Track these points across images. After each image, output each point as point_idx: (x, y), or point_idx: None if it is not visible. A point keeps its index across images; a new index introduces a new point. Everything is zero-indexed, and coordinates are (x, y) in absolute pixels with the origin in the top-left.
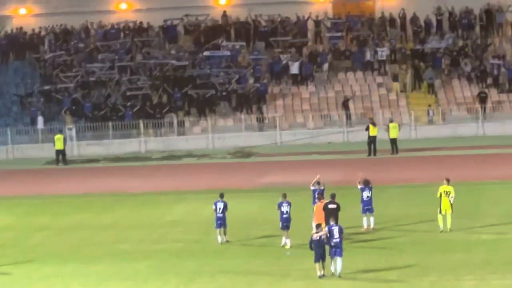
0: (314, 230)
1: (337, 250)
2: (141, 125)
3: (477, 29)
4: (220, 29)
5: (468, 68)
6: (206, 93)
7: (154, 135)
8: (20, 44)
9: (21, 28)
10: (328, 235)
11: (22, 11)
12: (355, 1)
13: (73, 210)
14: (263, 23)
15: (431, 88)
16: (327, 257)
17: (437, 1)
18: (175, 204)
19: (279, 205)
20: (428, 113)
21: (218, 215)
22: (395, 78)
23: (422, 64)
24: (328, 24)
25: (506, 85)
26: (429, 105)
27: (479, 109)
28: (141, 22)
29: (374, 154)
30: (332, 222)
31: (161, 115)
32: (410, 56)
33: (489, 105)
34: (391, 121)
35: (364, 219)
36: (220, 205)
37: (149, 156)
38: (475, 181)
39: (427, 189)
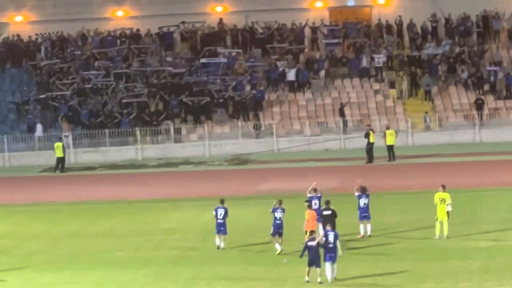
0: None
1: (331, 255)
2: (138, 133)
3: (474, 35)
4: (217, 36)
5: (465, 75)
6: (203, 100)
7: (150, 143)
8: (17, 51)
9: (17, 35)
10: (324, 239)
11: (19, 18)
12: (351, 8)
13: (70, 218)
14: (260, 30)
15: (428, 95)
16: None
17: (433, 8)
18: (172, 212)
19: (273, 210)
20: (425, 120)
21: (219, 221)
22: (391, 85)
23: (419, 70)
24: (325, 31)
25: (503, 92)
26: (426, 112)
27: (476, 116)
28: (137, 29)
29: (372, 161)
30: (328, 228)
31: (158, 122)
32: (407, 63)
33: (486, 111)
34: (388, 128)
35: (361, 226)
36: (221, 211)
37: (145, 164)
38: (472, 188)
39: (424, 196)
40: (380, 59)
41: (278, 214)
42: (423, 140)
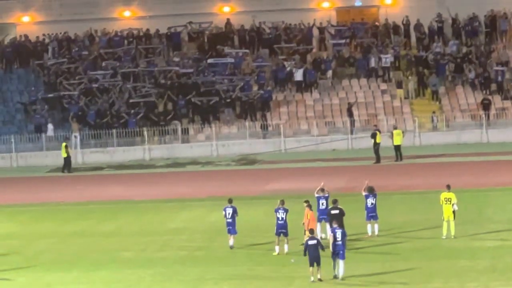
0: (308, 235)
1: (339, 253)
2: (145, 133)
3: (481, 35)
4: (224, 36)
5: (472, 75)
6: (210, 100)
7: (158, 143)
8: (24, 51)
9: (25, 35)
10: (332, 238)
11: (26, 18)
12: (358, 8)
13: (77, 218)
14: (267, 30)
15: (435, 95)
16: (325, 260)
17: (440, 8)
18: (179, 212)
19: (276, 210)
20: (432, 120)
21: (228, 220)
22: (399, 85)
23: (426, 70)
24: (332, 31)
25: (510, 92)
26: (433, 112)
27: (483, 116)
28: (147, 29)
29: (380, 161)
30: (335, 225)
31: (165, 123)
32: (414, 63)
33: (492, 111)
34: (395, 128)
35: (369, 226)
36: (229, 210)
37: (153, 164)
38: (479, 188)
39: (431, 196)
40: (387, 59)
41: (280, 214)
42: (430, 140)
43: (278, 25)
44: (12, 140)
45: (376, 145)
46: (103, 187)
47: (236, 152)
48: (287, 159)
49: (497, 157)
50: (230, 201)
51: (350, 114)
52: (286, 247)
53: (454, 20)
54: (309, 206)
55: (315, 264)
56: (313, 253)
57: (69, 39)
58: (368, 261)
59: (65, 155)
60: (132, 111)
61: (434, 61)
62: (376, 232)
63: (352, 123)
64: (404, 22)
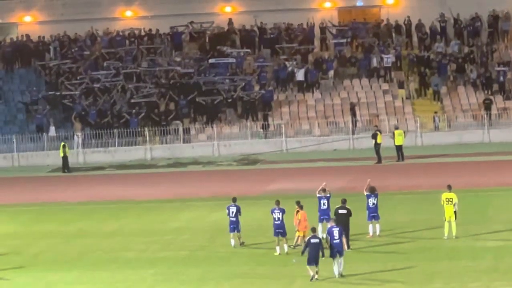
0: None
1: (338, 250)
2: (147, 133)
3: (483, 36)
4: (226, 36)
5: (473, 75)
6: (212, 100)
7: (159, 143)
8: (26, 51)
9: (26, 35)
10: (330, 237)
11: (28, 18)
12: (360, 8)
13: (78, 218)
14: (269, 30)
15: (436, 95)
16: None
17: (441, 8)
18: (181, 212)
19: (272, 211)
20: (434, 120)
21: (231, 219)
22: (400, 85)
23: (427, 70)
24: (334, 31)
25: None
26: (435, 112)
27: (485, 116)
28: (149, 29)
29: (381, 162)
30: (332, 224)
31: (167, 122)
32: (416, 63)
33: (494, 112)
34: (396, 128)
35: (370, 226)
36: (233, 209)
37: (154, 164)
38: (481, 188)
39: (432, 196)
40: (389, 59)
41: (276, 215)
42: (432, 140)
43: (280, 25)
44: (14, 140)
45: (377, 146)
46: (105, 187)
47: (237, 152)
48: (288, 159)
49: (499, 157)
50: (234, 200)
51: (353, 113)
52: (285, 246)
53: (456, 20)
54: (301, 207)
55: (314, 263)
56: (314, 252)
57: (71, 39)
58: (369, 261)
59: (62, 154)
60: (134, 111)
61: (435, 61)
62: (378, 232)
63: (355, 123)
64: (406, 22)
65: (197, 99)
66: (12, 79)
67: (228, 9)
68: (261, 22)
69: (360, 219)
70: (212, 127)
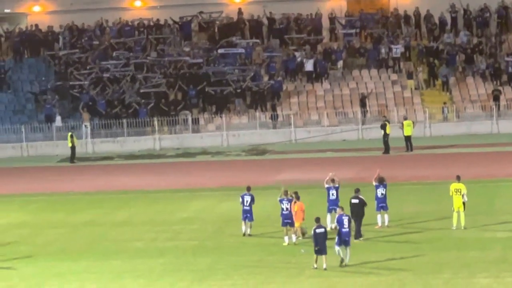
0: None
1: (345, 239)
2: (156, 123)
3: (492, 26)
4: (235, 26)
5: (482, 66)
6: (221, 91)
7: (168, 133)
8: (35, 41)
9: (35, 25)
10: (337, 226)
11: (37, 8)
12: None
13: (87, 207)
14: (278, 20)
15: (445, 86)
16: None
17: None
18: (190, 201)
19: (280, 201)
20: (443, 111)
21: (245, 208)
22: (409, 75)
23: (436, 61)
24: (343, 21)
25: None
26: (444, 103)
27: (493, 107)
28: (156, 20)
29: (389, 152)
30: (342, 212)
31: (176, 113)
32: (425, 54)
33: (503, 102)
34: (405, 118)
35: (379, 216)
36: (247, 198)
37: (163, 154)
38: (489, 179)
39: (441, 187)
40: (398, 49)
41: (284, 205)
42: (441, 131)
43: (289, 15)
44: (23, 129)
45: (386, 136)
46: (113, 177)
47: (246, 142)
48: (297, 150)
49: (508, 148)
50: (248, 189)
51: (363, 104)
52: (293, 237)
53: (465, 11)
54: (298, 197)
55: (321, 253)
56: (321, 242)
57: (80, 29)
58: (378, 251)
59: (70, 144)
60: (143, 101)
61: (445, 52)
62: (386, 223)
63: (364, 113)
64: (415, 13)
65: (206, 89)
66: (21, 69)
67: None
68: (270, 12)
69: (369, 210)
70: (221, 117)
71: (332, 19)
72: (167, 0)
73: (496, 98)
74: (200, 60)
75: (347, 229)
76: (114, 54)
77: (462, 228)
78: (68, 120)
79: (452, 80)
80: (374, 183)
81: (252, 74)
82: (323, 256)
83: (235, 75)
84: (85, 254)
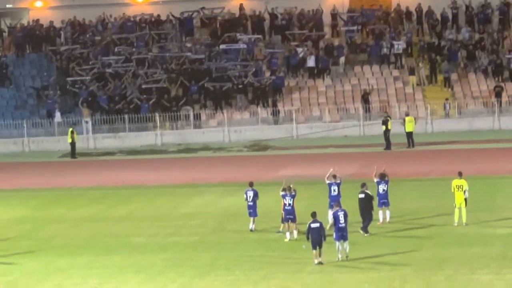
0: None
1: (343, 234)
2: (157, 118)
3: (494, 23)
4: (237, 22)
5: (484, 62)
6: (223, 86)
7: (170, 128)
8: (37, 36)
9: (37, 20)
10: (333, 221)
11: (39, 3)
12: None
13: (89, 203)
14: (280, 16)
15: (447, 82)
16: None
17: None
18: (191, 197)
19: (283, 197)
20: (444, 107)
21: (249, 203)
22: (411, 71)
23: (438, 57)
24: (345, 17)
25: None
26: (446, 99)
27: (495, 103)
28: (157, 15)
29: (390, 148)
30: (337, 208)
31: (177, 108)
32: (427, 50)
33: (505, 99)
34: (407, 114)
35: (380, 212)
36: (250, 194)
37: (165, 149)
38: (491, 175)
39: (443, 183)
40: (399, 45)
41: (287, 200)
42: (442, 127)
43: (291, 11)
44: (24, 125)
45: (387, 132)
46: (115, 173)
47: (248, 138)
48: (298, 145)
49: (509, 144)
50: (251, 184)
51: (366, 101)
52: (295, 233)
53: (467, 7)
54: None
55: (317, 247)
56: (316, 236)
57: (82, 24)
58: (379, 247)
59: (70, 140)
60: (145, 96)
61: (446, 48)
62: (388, 219)
63: (367, 109)
64: (417, 9)
65: (205, 85)
66: (23, 64)
67: None
68: (272, 8)
69: None
70: (222, 113)
71: (334, 15)
72: None
73: (498, 95)
74: (202, 56)
75: (344, 224)
76: (116, 49)
77: (464, 224)
78: (69, 115)
79: (454, 76)
80: (375, 179)
81: (254, 69)
82: (319, 250)
83: (236, 70)
84: (86, 249)
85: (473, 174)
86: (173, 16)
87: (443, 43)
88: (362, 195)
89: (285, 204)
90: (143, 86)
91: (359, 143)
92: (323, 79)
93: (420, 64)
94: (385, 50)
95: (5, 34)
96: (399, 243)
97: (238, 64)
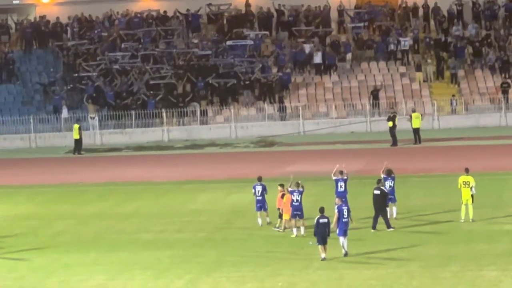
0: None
1: (345, 229)
2: (164, 114)
3: (500, 19)
4: (243, 18)
5: (491, 58)
6: (229, 82)
7: (177, 124)
8: (43, 32)
9: (44, 16)
10: (338, 214)
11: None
12: None
13: (95, 199)
14: (286, 13)
15: (454, 78)
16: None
17: None
18: (198, 193)
19: (291, 193)
20: (451, 103)
21: (258, 198)
22: (418, 68)
23: (445, 54)
24: (351, 14)
25: None
26: (452, 95)
27: (502, 99)
28: (164, 11)
29: (396, 144)
30: (341, 202)
31: (184, 104)
32: (433, 46)
33: (511, 95)
34: (413, 111)
35: (387, 208)
36: (259, 188)
37: (171, 145)
38: (497, 171)
39: (449, 179)
40: (406, 42)
41: (295, 196)
42: (449, 124)
43: (298, 8)
44: (31, 120)
45: (394, 128)
46: (122, 169)
47: (254, 134)
48: (305, 141)
49: None
50: (259, 179)
51: (375, 97)
52: (302, 229)
53: (474, 4)
54: (287, 190)
55: (322, 243)
56: (323, 232)
57: (89, 20)
58: (386, 243)
59: (77, 136)
60: (151, 92)
61: (453, 45)
62: (394, 215)
63: (377, 105)
64: (423, 5)
65: (210, 81)
66: (30, 60)
67: None
68: (279, 5)
69: None
70: (229, 109)
71: (341, 12)
72: None
73: (505, 91)
74: (209, 52)
75: (347, 219)
76: (122, 45)
77: (470, 220)
78: (76, 111)
79: (460, 72)
80: (382, 176)
81: (261, 66)
82: (324, 246)
83: (243, 67)
84: (93, 245)
85: (480, 170)
86: (179, 12)
87: (449, 39)
88: (377, 191)
89: (292, 200)
90: (150, 82)
91: (365, 139)
92: (330, 75)
93: (429, 60)
94: (391, 47)
95: (12, 30)
96: (405, 239)
97: (245, 60)
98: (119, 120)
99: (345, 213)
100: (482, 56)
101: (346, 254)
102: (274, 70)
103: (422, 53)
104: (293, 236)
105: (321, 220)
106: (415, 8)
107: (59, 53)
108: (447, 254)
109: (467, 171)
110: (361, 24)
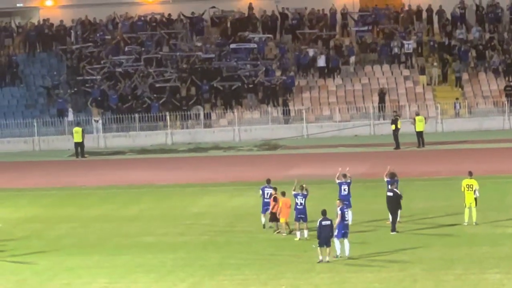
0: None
1: (346, 231)
2: (168, 117)
3: (504, 22)
4: (247, 21)
5: (495, 62)
6: (233, 86)
7: (180, 127)
8: (47, 35)
9: (48, 19)
10: (340, 217)
11: (49, 2)
12: None
13: (99, 202)
14: (290, 16)
15: (457, 81)
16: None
17: None
18: (201, 196)
19: (295, 196)
20: (455, 106)
21: (265, 200)
22: (421, 71)
23: (449, 57)
24: (355, 17)
25: None
26: (456, 98)
27: (506, 103)
28: (168, 14)
29: (399, 147)
30: (342, 205)
31: (188, 107)
32: (437, 49)
33: None
34: (417, 114)
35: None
36: (268, 191)
37: (175, 148)
38: (501, 175)
39: (453, 182)
40: (410, 45)
41: (299, 200)
42: (453, 127)
43: (301, 11)
44: (35, 124)
45: (396, 131)
46: (125, 172)
47: (258, 137)
48: (309, 145)
49: None
50: (268, 181)
51: (381, 99)
52: (305, 232)
53: (478, 7)
54: (282, 193)
55: (324, 245)
56: (326, 234)
57: (92, 24)
58: (389, 245)
59: (80, 139)
60: (155, 95)
61: (457, 48)
62: (398, 218)
63: (383, 108)
64: (427, 8)
65: (215, 84)
66: (34, 63)
67: None
68: (283, 8)
69: (380, 205)
70: (233, 112)
71: (345, 15)
72: None
73: (509, 94)
74: (212, 55)
75: (348, 222)
76: (126, 48)
77: (474, 224)
78: (80, 114)
79: (464, 76)
80: (385, 179)
81: (264, 69)
82: (327, 249)
83: (247, 70)
84: (96, 248)
85: (483, 173)
86: (183, 15)
87: (453, 42)
88: (390, 193)
89: (296, 204)
90: (154, 86)
91: (369, 142)
92: (334, 78)
93: (435, 63)
94: (395, 50)
95: (15, 34)
96: (408, 242)
97: (249, 64)
98: (123, 123)
99: (347, 215)
100: (486, 59)
101: (339, 256)
102: (278, 73)
103: (426, 57)
104: (296, 239)
105: (323, 223)
106: (418, 11)
107: (63, 56)
108: (450, 257)
109: (470, 174)
110: (365, 28)
